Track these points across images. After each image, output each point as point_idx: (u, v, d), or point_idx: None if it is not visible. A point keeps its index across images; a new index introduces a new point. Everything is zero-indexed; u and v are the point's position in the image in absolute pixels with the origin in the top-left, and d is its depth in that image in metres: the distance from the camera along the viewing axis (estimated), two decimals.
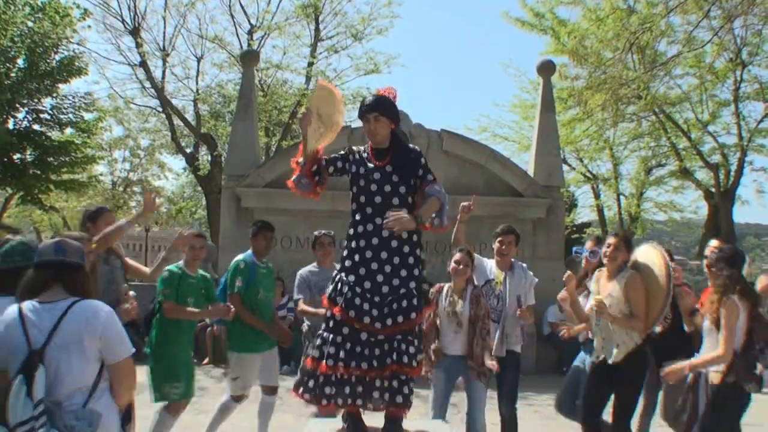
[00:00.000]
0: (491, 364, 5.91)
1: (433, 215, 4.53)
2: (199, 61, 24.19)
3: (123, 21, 22.65)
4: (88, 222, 5.79)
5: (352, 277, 4.41)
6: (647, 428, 6.71)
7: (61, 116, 20.34)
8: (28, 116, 19.89)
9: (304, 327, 6.96)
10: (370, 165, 4.56)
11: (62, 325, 3.30)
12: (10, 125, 19.25)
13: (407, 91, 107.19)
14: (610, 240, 5.79)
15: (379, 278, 4.39)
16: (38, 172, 19.85)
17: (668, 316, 5.87)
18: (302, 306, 6.81)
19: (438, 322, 6.06)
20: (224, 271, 7.14)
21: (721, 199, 19.24)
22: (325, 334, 4.42)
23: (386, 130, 4.58)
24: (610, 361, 5.62)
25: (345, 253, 4.51)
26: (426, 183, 4.57)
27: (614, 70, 15.72)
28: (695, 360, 5.30)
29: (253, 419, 6.85)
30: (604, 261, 5.80)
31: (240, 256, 6.83)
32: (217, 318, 6.93)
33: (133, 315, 5.59)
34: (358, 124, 4.88)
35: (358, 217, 4.51)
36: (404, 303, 4.38)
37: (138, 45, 22.27)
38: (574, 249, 7.01)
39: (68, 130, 20.75)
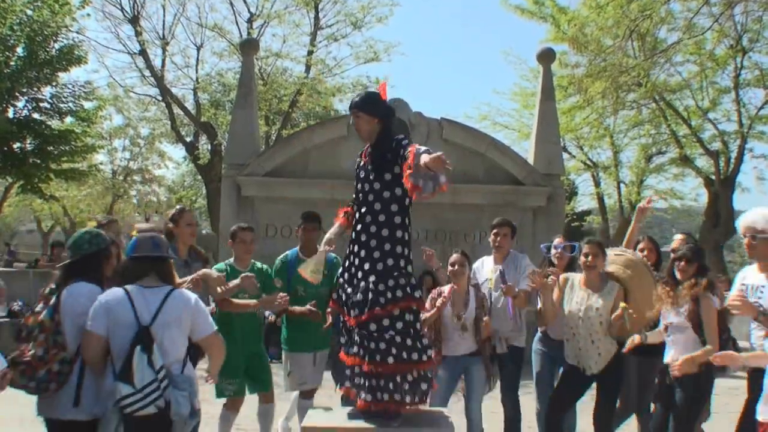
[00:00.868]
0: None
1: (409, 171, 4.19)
2: (198, 49, 24.22)
3: (122, 9, 22.68)
4: (171, 223, 5.87)
5: (341, 271, 4.77)
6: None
7: (61, 105, 20.25)
8: (27, 105, 19.82)
9: None
10: (361, 163, 4.79)
11: (165, 307, 4.03)
12: (10, 114, 19.20)
13: (407, 79, 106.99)
14: (587, 249, 5.80)
15: (352, 270, 4.65)
16: (38, 161, 19.80)
17: None
18: None
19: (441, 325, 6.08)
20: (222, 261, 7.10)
21: (722, 186, 19.25)
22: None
23: (368, 126, 4.66)
24: (593, 372, 5.72)
25: (347, 251, 4.78)
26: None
27: (614, 57, 15.72)
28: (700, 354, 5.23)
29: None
30: (584, 270, 5.84)
31: (284, 254, 6.71)
32: (272, 309, 6.74)
33: None
34: None
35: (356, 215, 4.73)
36: (359, 297, 4.52)
37: (137, 33, 22.27)
38: (542, 246, 6.78)
39: (68, 119, 20.69)
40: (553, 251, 6.52)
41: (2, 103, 18.60)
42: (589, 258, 5.76)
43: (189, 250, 6.02)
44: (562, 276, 6.04)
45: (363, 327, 4.48)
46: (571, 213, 29.41)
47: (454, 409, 5.85)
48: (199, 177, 28.49)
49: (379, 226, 4.54)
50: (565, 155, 22.39)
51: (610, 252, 6.10)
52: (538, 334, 6.57)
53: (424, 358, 4.53)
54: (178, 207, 6.32)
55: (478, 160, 13.73)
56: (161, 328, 3.98)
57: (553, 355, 6.31)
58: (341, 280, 4.72)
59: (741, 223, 5.33)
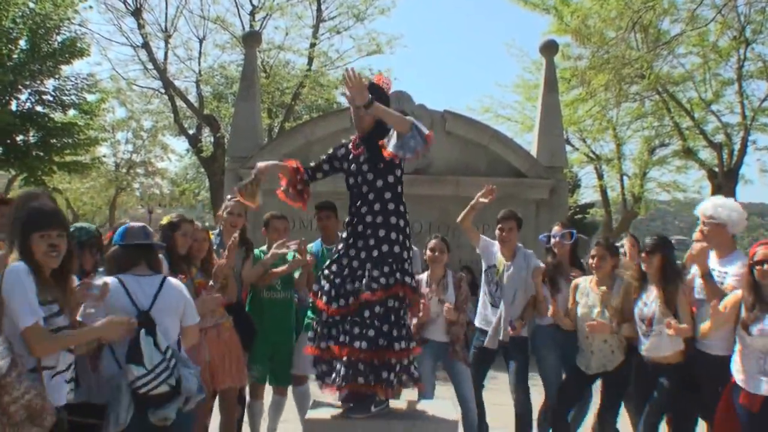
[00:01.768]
0: (511, 329, 6.07)
1: (393, 135, 4.43)
2: (201, 42, 24.20)
3: (125, 2, 22.66)
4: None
5: (331, 264, 4.73)
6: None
7: (64, 97, 20.32)
8: (30, 98, 19.90)
9: None
10: (350, 156, 4.76)
11: (163, 294, 4.17)
12: (13, 107, 19.26)
13: (410, 71, 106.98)
14: (594, 251, 5.94)
15: (344, 261, 4.66)
16: (41, 154, 19.86)
17: None
18: None
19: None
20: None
21: (725, 178, 19.19)
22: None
23: (369, 118, 4.65)
24: (607, 370, 5.80)
25: (341, 244, 4.79)
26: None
27: (617, 49, 15.65)
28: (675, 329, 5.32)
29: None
30: (593, 271, 5.95)
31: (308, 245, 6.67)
32: (297, 268, 6.50)
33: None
34: None
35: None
36: (348, 287, 4.60)
37: (140, 26, 22.25)
38: (541, 237, 6.76)
39: (71, 112, 20.75)
40: (552, 240, 6.52)
41: (5, 95, 18.66)
42: (595, 260, 5.89)
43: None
44: (573, 283, 6.11)
45: (351, 314, 4.52)
46: (574, 205, 29.35)
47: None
48: (202, 169, 28.50)
49: (374, 215, 4.58)
50: (568, 147, 22.33)
51: None
52: (543, 324, 6.49)
53: (402, 346, 4.52)
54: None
55: (480, 152, 13.75)
56: (159, 313, 4.11)
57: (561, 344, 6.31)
58: (326, 272, 4.70)
59: (697, 212, 5.62)
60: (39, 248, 3.53)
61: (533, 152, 14.20)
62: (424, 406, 4.94)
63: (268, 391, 6.60)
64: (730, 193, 18.96)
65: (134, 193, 37.82)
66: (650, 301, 5.47)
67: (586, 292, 5.95)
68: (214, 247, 5.93)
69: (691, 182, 24.23)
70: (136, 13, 22.49)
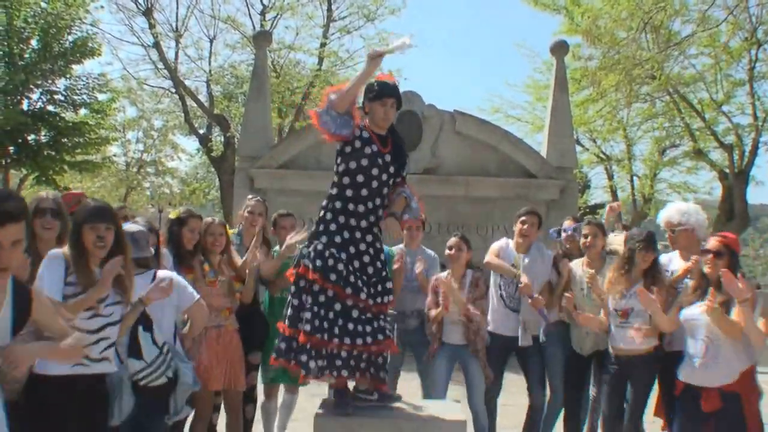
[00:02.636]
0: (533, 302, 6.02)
1: (401, 212, 4.70)
2: (211, 41, 24.24)
3: (136, 2, 22.70)
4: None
5: (344, 254, 4.45)
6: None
7: (75, 97, 20.45)
8: (42, 97, 20.03)
9: None
10: (375, 148, 4.56)
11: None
12: (25, 106, 19.39)
13: (420, 71, 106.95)
14: (586, 230, 6.07)
15: (366, 259, 4.53)
16: (52, 153, 19.98)
17: None
18: None
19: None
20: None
21: (736, 179, 19.11)
22: (315, 308, 4.38)
23: (393, 113, 4.67)
24: (601, 348, 5.88)
25: (333, 227, 4.51)
26: (400, 183, 4.76)
27: (628, 50, 15.64)
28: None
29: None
30: (585, 251, 6.08)
31: None
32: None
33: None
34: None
35: (349, 194, 4.53)
36: (388, 285, 4.63)
37: (151, 26, 22.30)
38: (551, 231, 6.78)
39: (82, 111, 20.87)
40: (563, 234, 6.52)
41: (17, 95, 18.78)
42: (588, 238, 6.02)
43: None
44: (566, 269, 6.13)
45: (384, 312, 4.61)
46: (584, 206, 29.33)
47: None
48: (212, 169, 28.56)
49: (379, 215, 4.65)
50: (578, 148, 22.31)
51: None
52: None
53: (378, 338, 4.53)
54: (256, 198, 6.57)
55: (490, 152, 13.74)
56: (154, 308, 4.33)
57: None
58: (350, 267, 4.46)
59: (660, 221, 5.85)
60: (88, 239, 3.88)
61: (543, 153, 14.18)
62: (432, 406, 4.94)
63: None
64: (741, 194, 18.91)
65: (144, 192, 37.92)
66: (630, 295, 5.46)
67: (579, 274, 6.02)
68: (234, 246, 5.93)
69: (701, 183, 24.21)
70: (147, 13, 22.56)
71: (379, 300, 4.54)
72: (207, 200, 36.21)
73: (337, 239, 4.47)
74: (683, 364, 5.02)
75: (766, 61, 19.10)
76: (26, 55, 18.97)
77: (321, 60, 22.90)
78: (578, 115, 19.93)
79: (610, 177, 26.35)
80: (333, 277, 4.38)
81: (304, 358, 4.33)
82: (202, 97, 24.45)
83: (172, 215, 5.42)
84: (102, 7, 22.67)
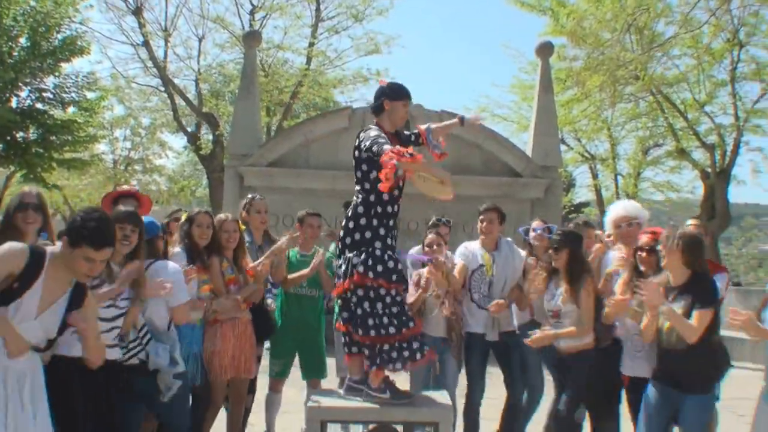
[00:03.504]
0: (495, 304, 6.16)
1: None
2: (200, 41, 24.39)
3: (125, 1, 22.77)
4: (243, 212, 6.41)
5: (393, 253, 4.77)
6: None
7: (64, 95, 20.41)
8: (30, 95, 19.97)
9: None
10: None
11: (147, 274, 4.63)
12: (13, 104, 19.35)
13: (407, 71, 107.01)
14: (536, 223, 6.51)
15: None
16: (41, 151, 19.93)
17: None
18: None
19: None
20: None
21: (717, 179, 19.38)
22: (389, 309, 4.66)
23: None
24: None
25: (381, 231, 4.71)
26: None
27: (612, 50, 15.89)
28: (562, 332, 5.58)
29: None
30: (533, 243, 6.38)
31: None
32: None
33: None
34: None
35: (386, 197, 4.69)
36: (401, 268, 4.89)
37: (140, 25, 22.38)
38: (520, 230, 6.81)
39: (71, 109, 20.84)
40: (531, 234, 6.53)
41: (6, 93, 18.77)
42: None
43: (263, 236, 6.46)
44: (531, 268, 6.23)
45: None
46: (569, 205, 29.58)
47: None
48: (200, 167, 28.64)
49: None
50: (563, 147, 22.57)
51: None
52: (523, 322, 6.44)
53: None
54: (249, 196, 6.65)
55: (476, 151, 13.93)
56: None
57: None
58: (389, 253, 4.73)
59: (614, 217, 5.87)
60: (115, 236, 4.12)
61: (528, 152, 14.37)
62: (421, 394, 5.14)
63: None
64: (723, 193, 19.19)
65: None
66: (557, 294, 5.60)
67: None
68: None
69: (684, 182, 24.49)
70: (137, 12, 22.64)
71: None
72: (194, 198, 36.21)
73: (388, 241, 4.75)
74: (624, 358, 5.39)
75: (747, 62, 19.39)
76: (15, 53, 18.93)
77: (309, 59, 23.07)
78: (563, 114, 20.15)
79: (595, 176, 26.61)
80: (394, 277, 4.69)
81: (394, 354, 4.65)
82: (191, 96, 24.56)
83: (183, 218, 5.59)
84: (92, 6, 22.74)
